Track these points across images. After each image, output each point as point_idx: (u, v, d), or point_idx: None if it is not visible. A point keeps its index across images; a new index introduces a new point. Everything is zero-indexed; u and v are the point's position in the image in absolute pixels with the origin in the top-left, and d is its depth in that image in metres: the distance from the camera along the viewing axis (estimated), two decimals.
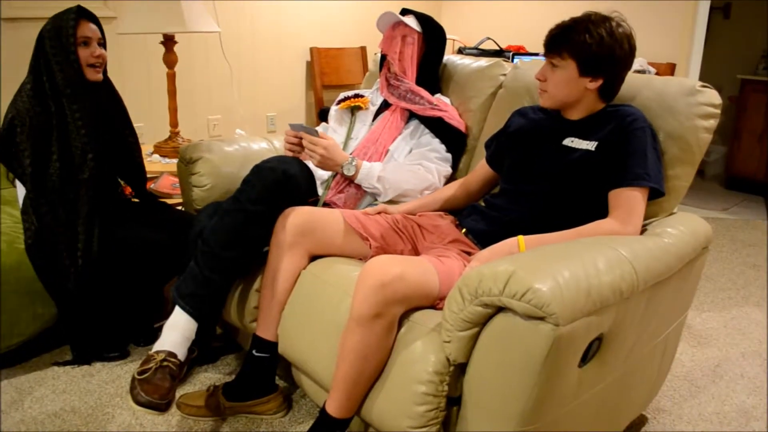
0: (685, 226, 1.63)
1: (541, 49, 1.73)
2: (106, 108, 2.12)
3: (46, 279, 2.02)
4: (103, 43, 2.06)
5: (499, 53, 3.99)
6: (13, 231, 2.09)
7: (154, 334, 2.27)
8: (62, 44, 1.96)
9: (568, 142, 1.69)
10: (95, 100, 2.05)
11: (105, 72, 2.11)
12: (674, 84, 1.72)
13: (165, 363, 1.63)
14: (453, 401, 1.40)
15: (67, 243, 2.01)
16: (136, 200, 2.36)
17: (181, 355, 1.68)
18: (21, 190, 2.03)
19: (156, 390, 1.57)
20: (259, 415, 1.87)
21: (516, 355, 1.23)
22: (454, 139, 2.11)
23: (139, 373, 1.60)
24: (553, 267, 1.25)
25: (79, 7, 2.00)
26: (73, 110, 1.98)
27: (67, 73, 1.97)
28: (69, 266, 2.01)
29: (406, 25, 2.12)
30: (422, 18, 2.16)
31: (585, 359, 1.35)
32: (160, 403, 1.56)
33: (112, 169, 2.17)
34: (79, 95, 1.99)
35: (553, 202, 1.67)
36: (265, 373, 1.85)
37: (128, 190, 2.38)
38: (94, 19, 2.04)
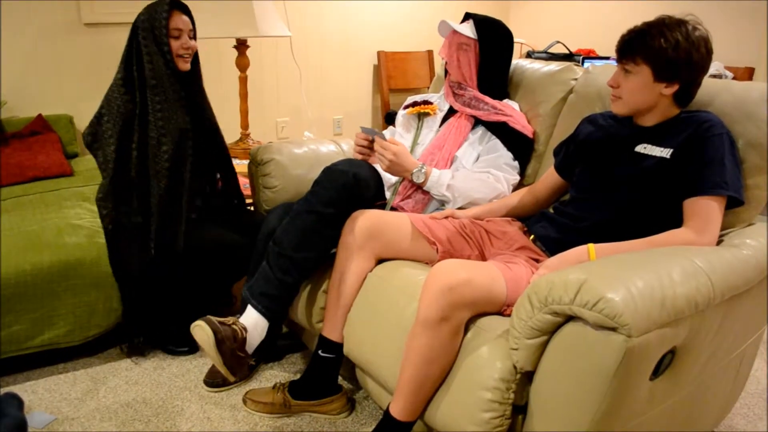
0: (764, 237, 1.57)
1: (612, 53, 1.69)
2: (195, 97, 2.16)
3: (115, 264, 2.08)
4: (193, 35, 2.11)
5: (568, 57, 3.93)
6: (93, 226, 2.18)
7: None
8: (155, 35, 2.01)
9: (641, 148, 1.65)
10: (186, 89, 2.10)
11: (195, 62, 2.16)
12: (755, 89, 1.66)
13: (234, 325, 1.69)
14: (518, 409, 1.39)
15: (138, 232, 2.06)
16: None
17: (250, 338, 1.73)
18: None
19: (212, 326, 1.65)
20: (323, 415, 1.90)
21: (585, 366, 1.21)
22: (519, 144, 2.09)
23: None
24: (626, 276, 1.22)
25: None
26: (155, 102, 2.02)
27: (156, 63, 2.01)
28: (137, 254, 2.06)
29: (461, 32, 2.10)
30: (483, 23, 2.12)
31: (657, 372, 1.32)
32: (207, 330, 1.63)
33: (205, 160, 2.19)
34: (164, 87, 2.03)
35: (625, 210, 1.63)
36: (331, 374, 1.87)
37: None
38: (186, 11, 2.09)
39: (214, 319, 1.67)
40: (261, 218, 2.22)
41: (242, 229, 2.17)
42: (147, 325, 2.21)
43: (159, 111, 2.03)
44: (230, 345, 1.66)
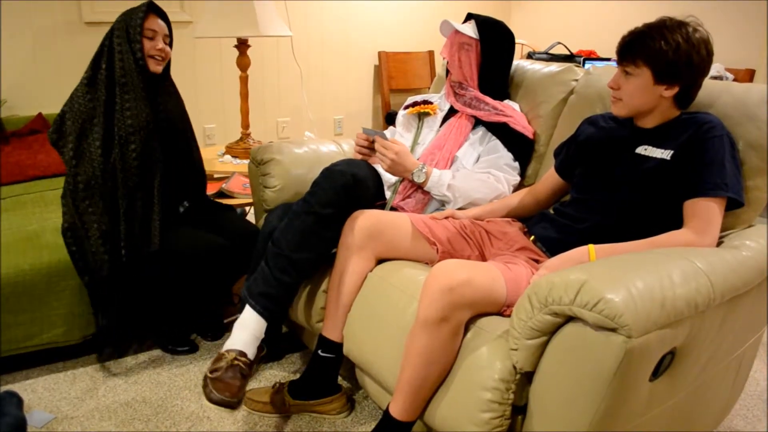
0: (764, 238, 1.57)
1: (613, 54, 1.69)
2: (166, 102, 2.14)
3: (79, 264, 2.04)
4: (169, 42, 2.10)
5: (569, 58, 3.93)
6: None
7: (223, 329, 2.33)
8: (129, 33, 2.00)
9: (642, 150, 1.65)
10: (155, 91, 2.08)
11: (168, 69, 2.15)
12: (756, 91, 1.66)
13: (236, 362, 1.67)
14: (518, 410, 1.39)
15: (103, 231, 2.01)
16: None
17: (251, 353, 1.72)
18: None
19: (227, 388, 1.61)
20: (323, 415, 1.90)
21: (585, 367, 1.21)
22: (519, 145, 2.08)
23: (211, 372, 1.64)
24: (627, 277, 1.22)
25: (151, 2, 2.05)
26: (124, 99, 2.00)
27: (127, 62, 2.00)
28: (103, 253, 2.01)
29: (463, 32, 2.10)
30: (485, 23, 2.12)
31: (657, 373, 1.32)
32: (231, 401, 1.61)
33: (173, 167, 2.16)
34: (134, 85, 2.01)
35: (626, 211, 1.63)
36: (330, 374, 1.87)
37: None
38: (164, 17, 2.08)
39: (213, 379, 1.63)
40: (247, 224, 2.22)
41: (229, 234, 2.15)
42: (127, 328, 2.18)
43: (128, 109, 2.00)
44: (245, 384, 1.67)
